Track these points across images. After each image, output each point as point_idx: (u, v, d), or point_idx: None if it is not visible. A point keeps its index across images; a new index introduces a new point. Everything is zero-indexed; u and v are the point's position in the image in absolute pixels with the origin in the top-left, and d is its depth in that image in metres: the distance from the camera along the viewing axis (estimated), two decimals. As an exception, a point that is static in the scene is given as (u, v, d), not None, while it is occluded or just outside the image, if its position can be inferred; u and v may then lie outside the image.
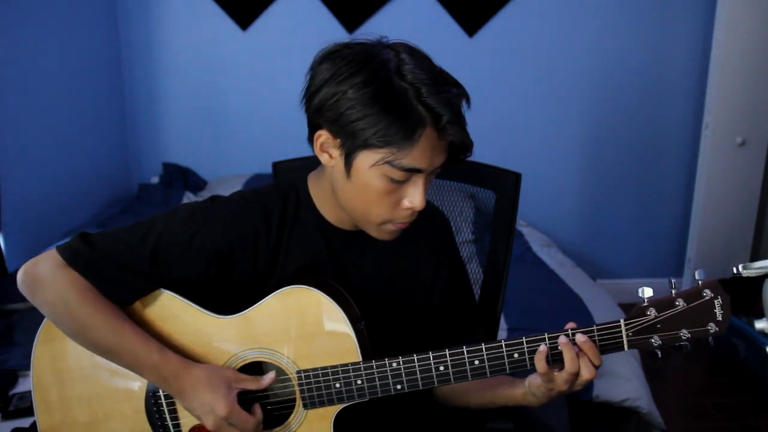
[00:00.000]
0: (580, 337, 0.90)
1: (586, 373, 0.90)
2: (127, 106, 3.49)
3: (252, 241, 1.00)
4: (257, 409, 0.98)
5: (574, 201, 3.62)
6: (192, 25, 3.40)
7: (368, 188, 0.92)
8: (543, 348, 0.91)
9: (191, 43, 3.41)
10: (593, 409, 1.91)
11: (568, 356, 0.90)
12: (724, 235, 3.35)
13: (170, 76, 3.45)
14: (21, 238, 2.50)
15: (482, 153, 1.18)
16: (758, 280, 0.95)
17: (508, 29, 3.38)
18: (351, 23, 3.34)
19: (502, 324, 1.99)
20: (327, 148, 0.94)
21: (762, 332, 0.90)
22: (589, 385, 1.89)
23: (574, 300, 2.27)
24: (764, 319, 0.91)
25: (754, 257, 3.41)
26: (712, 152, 3.26)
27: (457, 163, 0.97)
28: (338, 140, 0.92)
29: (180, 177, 3.39)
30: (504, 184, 1.30)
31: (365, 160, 0.90)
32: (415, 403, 1.16)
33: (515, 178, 1.28)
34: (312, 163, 1.09)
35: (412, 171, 0.91)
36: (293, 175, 1.09)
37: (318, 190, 1.03)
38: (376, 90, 0.87)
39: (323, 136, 0.93)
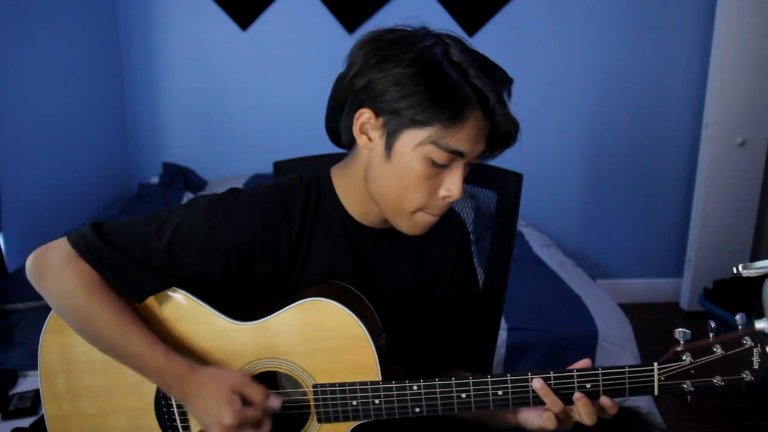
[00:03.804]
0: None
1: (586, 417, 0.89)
2: (127, 106, 3.48)
3: (273, 234, 0.96)
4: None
5: (574, 201, 3.61)
6: (192, 26, 3.39)
7: (408, 171, 0.90)
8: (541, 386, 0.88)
9: (191, 43, 3.41)
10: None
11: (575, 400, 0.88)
12: (724, 235, 3.35)
13: (170, 76, 3.45)
14: (21, 238, 2.50)
15: (483, 153, 1.18)
16: (758, 280, 0.95)
17: (508, 29, 3.38)
18: (351, 23, 3.34)
19: (502, 324, 1.98)
20: (367, 129, 0.92)
21: (762, 332, 0.88)
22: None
23: (574, 300, 2.27)
24: (764, 319, 0.89)
25: (754, 257, 3.40)
26: (712, 152, 3.27)
27: (496, 153, 0.97)
28: (381, 120, 0.89)
29: (180, 177, 3.39)
30: (505, 184, 1.29)
31: (409, 139, 0.88)
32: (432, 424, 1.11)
33: (517, 178, 1.28)
34: (313, 163, 1.08)
35: (455, 154, 0.89)
36: (315, 167, 1.05)
37: (342, 182, 1.00)
38: (425, 67, 0.86)
39: (365, 115, 0.90)
